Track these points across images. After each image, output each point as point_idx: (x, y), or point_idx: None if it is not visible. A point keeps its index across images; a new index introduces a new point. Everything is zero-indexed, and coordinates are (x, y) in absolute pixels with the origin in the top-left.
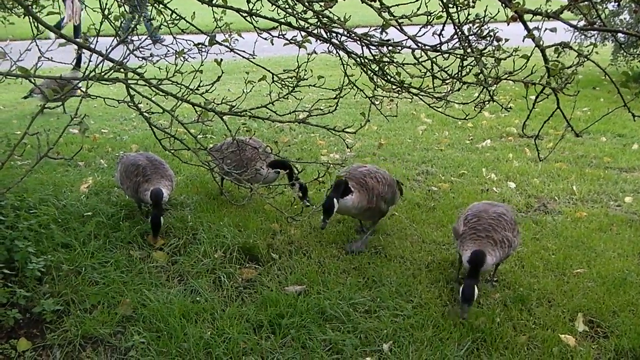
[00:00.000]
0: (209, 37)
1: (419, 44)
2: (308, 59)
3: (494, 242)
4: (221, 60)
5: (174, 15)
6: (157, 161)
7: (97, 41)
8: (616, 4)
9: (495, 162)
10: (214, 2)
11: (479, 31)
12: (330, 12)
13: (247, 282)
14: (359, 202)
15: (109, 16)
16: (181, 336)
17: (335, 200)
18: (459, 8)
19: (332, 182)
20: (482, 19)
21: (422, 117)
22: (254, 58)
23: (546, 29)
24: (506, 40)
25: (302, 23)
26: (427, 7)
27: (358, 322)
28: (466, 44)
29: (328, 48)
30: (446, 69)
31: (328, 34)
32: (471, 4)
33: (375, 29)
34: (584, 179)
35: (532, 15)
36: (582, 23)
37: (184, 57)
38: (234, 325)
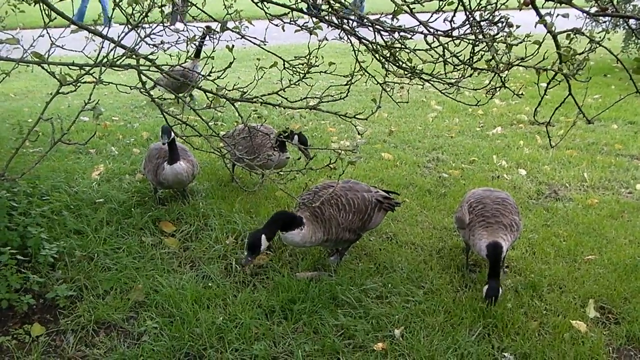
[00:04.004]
0: (220, 24)
1: (431, 30)
2: (319, 46)
3: (505, 226)
4: (232, 46)
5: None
6: (181, 148)
7: (109, 28)
8: None
9: (505, 149)
10: None
11: (491, 17)
12: None
13: (259, 268)
14: (311, 236)
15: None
16: (193, 321)
17: (264, 237)
18: None
19: (344, 168)
20: (494, 4)
21: (432, 104)
22: (265, 45)
23: (558, 14)
24: (518, 26)
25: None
26: None
27: (369, 308)
28: (478, 30)
29: (339, 34)
30: (458, 55)
31: (339, 20)
32: None
33: (387, 15)
34: (595, 166)
35: (543, 1)
36: (594, 9)
37: (195, 44)
38: (246, 311)
